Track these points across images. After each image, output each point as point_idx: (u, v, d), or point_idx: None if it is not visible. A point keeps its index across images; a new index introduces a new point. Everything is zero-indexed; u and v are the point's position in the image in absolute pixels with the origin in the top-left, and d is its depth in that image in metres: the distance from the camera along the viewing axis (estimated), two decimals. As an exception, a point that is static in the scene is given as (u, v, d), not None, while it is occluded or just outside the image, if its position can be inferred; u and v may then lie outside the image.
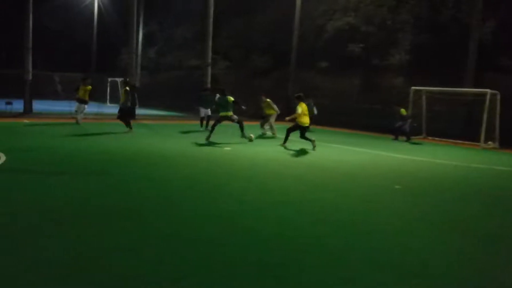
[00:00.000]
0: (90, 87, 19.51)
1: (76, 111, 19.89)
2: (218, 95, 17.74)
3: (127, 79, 19.54)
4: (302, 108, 14.78)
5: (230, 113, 16.13)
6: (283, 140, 15.27)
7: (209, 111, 20.29)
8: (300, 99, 15.06)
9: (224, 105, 16.18)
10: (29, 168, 9.68)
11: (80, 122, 19.45)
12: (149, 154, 12.28)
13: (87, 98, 19.58)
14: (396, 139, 19.99)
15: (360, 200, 8.26)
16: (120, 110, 17.47)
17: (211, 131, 15.88)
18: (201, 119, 20.41)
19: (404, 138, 19.79)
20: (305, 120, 14.89)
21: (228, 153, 13.35)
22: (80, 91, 19.35)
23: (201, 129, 19.70)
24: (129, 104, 17.68)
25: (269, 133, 19.48)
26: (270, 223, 6.47)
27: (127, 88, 17.69)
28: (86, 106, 19.85)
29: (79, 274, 4.43)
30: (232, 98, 16.24)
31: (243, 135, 16.36)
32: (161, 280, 4.40)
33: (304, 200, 8.03)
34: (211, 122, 17.31)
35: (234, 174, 10.18)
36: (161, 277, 4.45)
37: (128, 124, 17.11)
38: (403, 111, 20.04)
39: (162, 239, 5.56)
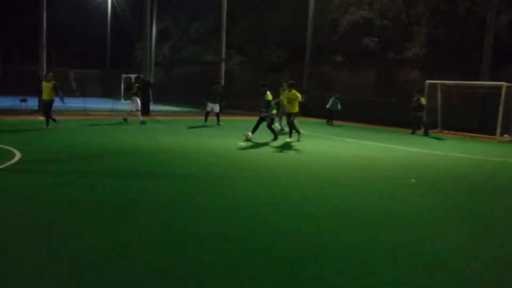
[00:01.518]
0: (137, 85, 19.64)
1: (131, 110, 19.54)
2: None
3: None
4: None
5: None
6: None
7: (217, 106, 20.05)
8: (292, 87, 15.31)
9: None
10: (43, 165, 9.78)
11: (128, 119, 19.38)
12: (164, 150, 12.33)
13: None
14: (413, 133, 19.70)
15: (376, 194, 8.20)
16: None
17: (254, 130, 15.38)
18: (206, 114, 20.20)
19: (422, 131, 19.64)
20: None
21: (242, 148, 13.34)
22: (134, 89, 19.35)
23: (205, 123, 19.61)
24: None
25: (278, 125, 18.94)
26: (286, 218, 6.46)
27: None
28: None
29: (95, 271, 4.46)
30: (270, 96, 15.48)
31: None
32: (177, 275, 4.42)
33: (320, 195, 7.99)
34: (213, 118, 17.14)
35: (249, 169, 10.17)
36: (178, 273, 4.47)
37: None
38: (423, 99, 19.61)
39: (178, 234, 5.58)
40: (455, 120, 20.63)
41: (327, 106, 23.19)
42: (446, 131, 20.83)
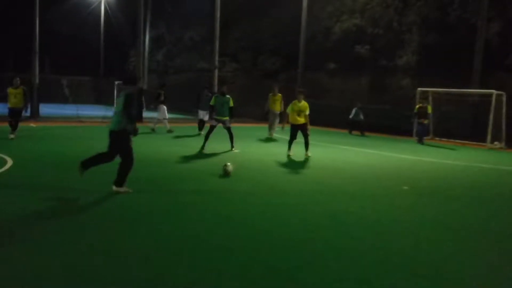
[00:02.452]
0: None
1: (158, 119, 19.48)
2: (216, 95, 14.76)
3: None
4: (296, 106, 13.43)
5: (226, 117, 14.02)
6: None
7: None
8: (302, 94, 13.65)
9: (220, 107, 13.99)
10: (35, 172, 9.77)
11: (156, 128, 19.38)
12: (156, 157, 12.32)
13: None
14: (422, 143, 19.27)
15: (369, 201, 8.27)
16: None
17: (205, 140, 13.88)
18: (200, 122, 18.95)
19: (416, 139, 19.69)
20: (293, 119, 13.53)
21: (237, 155, 13.36)
22: (161, 97, 19.35)
23: (202, 132, 18.04)
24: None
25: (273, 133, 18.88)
26: (281, 226, 6.51)
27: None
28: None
29: (92, 281, 4.48)
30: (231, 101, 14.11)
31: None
32: (173, 284, 4.44)
33: (314, 202, 8.04)
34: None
35: (243, 177, 10.19)
36: (173, 282, 4.49)
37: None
38: (429, 108, 19.35)
39: (172, 243, 5.60)
40: (447, 127, 20.79)
41: (350, 116, 23.05)
42: (437, 138, 20.97)
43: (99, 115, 23.40)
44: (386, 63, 26.52)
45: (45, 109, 24.66)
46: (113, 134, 7.85)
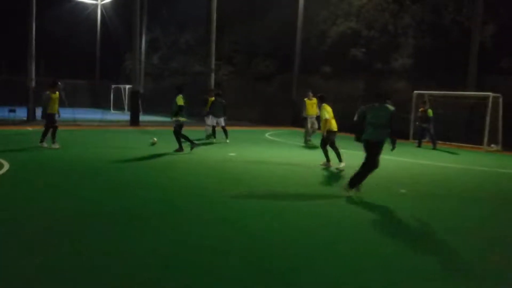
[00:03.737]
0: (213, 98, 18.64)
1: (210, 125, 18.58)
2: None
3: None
4: (327, 111, 12.49)
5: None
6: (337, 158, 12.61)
7: (222, 120, 18.14)
8: (323, 100, 12.84)
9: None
10: (32, 176, 9.76)
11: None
12: (153, 161, 12.33)
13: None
14: (420, 146, 19.17)
15: (366, 204, 8.29)
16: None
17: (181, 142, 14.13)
18: (213, 128, 18.33)
19: (416, 142, 19.52)
20: (334, 124, 12.55)
21: (232, 159, 13.38)
22: (209, 103, 18.54)
23: (214, 140, 17.82)
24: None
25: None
26: (276, 228, 6.52)
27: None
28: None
29: (85, 280, 4.48)
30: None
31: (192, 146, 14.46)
32: (166, 287, 4.44)
33: (311, 205, 8.07)
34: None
35: (239, 179, 10.22)
36: (166, 285, 4.49)
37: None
38: (430, 111, 18.89)
39: (167, 245, 5.61)
40: (443, 130, 20.82)
41: (355, 118, 22.56)
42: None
43: (96, 118, 23.38)
44: (382, 66, 26.60)
45: (41, 112, 24.55)
46: (373, 144, 8.60)
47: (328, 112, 12.44)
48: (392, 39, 26.48)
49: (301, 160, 13.59)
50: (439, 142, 19.58)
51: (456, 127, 21.24)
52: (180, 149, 14.04)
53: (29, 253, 5.11)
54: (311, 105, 18.11)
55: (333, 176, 11.25)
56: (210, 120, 18.45)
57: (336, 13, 29.82)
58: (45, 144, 13.93)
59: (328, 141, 12.36)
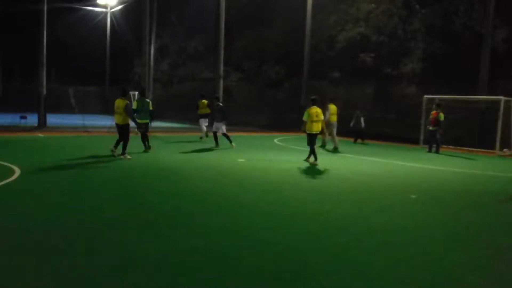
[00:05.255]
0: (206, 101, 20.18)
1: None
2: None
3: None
4: (309, 114, 13.70)
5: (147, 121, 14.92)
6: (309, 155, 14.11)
7: (220, 125, 17.14)
8: (314, 103, 13.90)
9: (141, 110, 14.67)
10: (42, 182, 9.78)
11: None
12: (162, 166, 12.33)
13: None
14: (430, 151, 18.91)
15: (376, 210, 8.21)
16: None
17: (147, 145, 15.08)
18: (214, 135, 17.68)
19: (427, 147, 19.27)
20: (313, 128, 13.68)
21: (242, 164, 13.35)
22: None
23: (217, 147, 17.21)
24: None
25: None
26: (286, 235, 6.45)
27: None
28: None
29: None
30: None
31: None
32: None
33: (321, 211, 8.00)
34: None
35: (248, 185, 10.18)
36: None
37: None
38: (442, 116, 18.52)
39: (178, 251, 5.57)
40: (454, 134, 20.67)
41: (351, 124, 22.37)
42: (445, 146, 20.85)
43: (106, 124, 23.44)
44: (391, 71, 26.51)
45: (52, 119, 24.75)
46: None
47: (309, 114, 13.68)
48: (401, 44, 26.40)
49: (309, 166, 13.51)
50: (450, 147, 19.43)
51: (468, 132, 21.09)
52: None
53: (43, 257, 5.10)
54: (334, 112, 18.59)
55: (343, 182, 11.17)
56: (202, 123, 20.05)
57: (344, 18, 29.81)
58: (128, 156, 13.38)
59: (311, 141, 13.74)
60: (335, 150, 17.82)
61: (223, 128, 17.17)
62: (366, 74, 27.25)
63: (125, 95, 13.84)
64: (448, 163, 15.69)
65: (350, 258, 5.57)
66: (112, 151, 13.47)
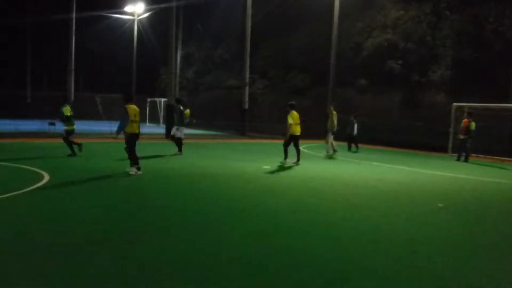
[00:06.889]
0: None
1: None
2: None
3: None
4: (293, 117, 14.83)
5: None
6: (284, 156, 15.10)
7: (176, 130, 16.45)
8: (292, 108, 14.97)
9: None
10: (70, 187, 9.83)
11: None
12: (185, 173, 12.30)
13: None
14: (459, 159, 18.49)
15: (403, 219, 7.99)
16: None
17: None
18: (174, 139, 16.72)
19: (456, 155, 18.79)
20: (297, 129, 15.00)
21: (266, 171, 13.25)
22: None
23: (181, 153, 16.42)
24: None
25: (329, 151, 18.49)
26: (310, 242, 6.30)
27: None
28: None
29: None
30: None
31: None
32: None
33: (346, 219, 7.82)
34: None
35: (273, 192, 10.04)
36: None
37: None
38: (473, 124, 18.02)
39: (203, 258, 5.48)
40: (485, 143, 20.15)
41: (347, 131, 21.39)
42: (474, 155, 20.35)
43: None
44: (419, 78, 26.09)
45: (79, 126, 25.00)
46: None
47: (293, 118, 14.85)
48: (430, 51, 25.99)
49: (334, 174, 13.32)
50: (480, 156, 18.95)
51: (499, 141, 20.56)
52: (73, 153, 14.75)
53: (70, 259, 5.08)
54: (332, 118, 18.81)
55: (370, 189, 10.94)
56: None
57: (371, 25, 29.53)
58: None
59: (289, 143, 14.99)
60: (327, 155, 18.33)
61: (182, 133, 16.52)
62: (394, 81, 26.89)
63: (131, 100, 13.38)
64: (477, 172, 15.29)
65: (375, 267, 5.38)
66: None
